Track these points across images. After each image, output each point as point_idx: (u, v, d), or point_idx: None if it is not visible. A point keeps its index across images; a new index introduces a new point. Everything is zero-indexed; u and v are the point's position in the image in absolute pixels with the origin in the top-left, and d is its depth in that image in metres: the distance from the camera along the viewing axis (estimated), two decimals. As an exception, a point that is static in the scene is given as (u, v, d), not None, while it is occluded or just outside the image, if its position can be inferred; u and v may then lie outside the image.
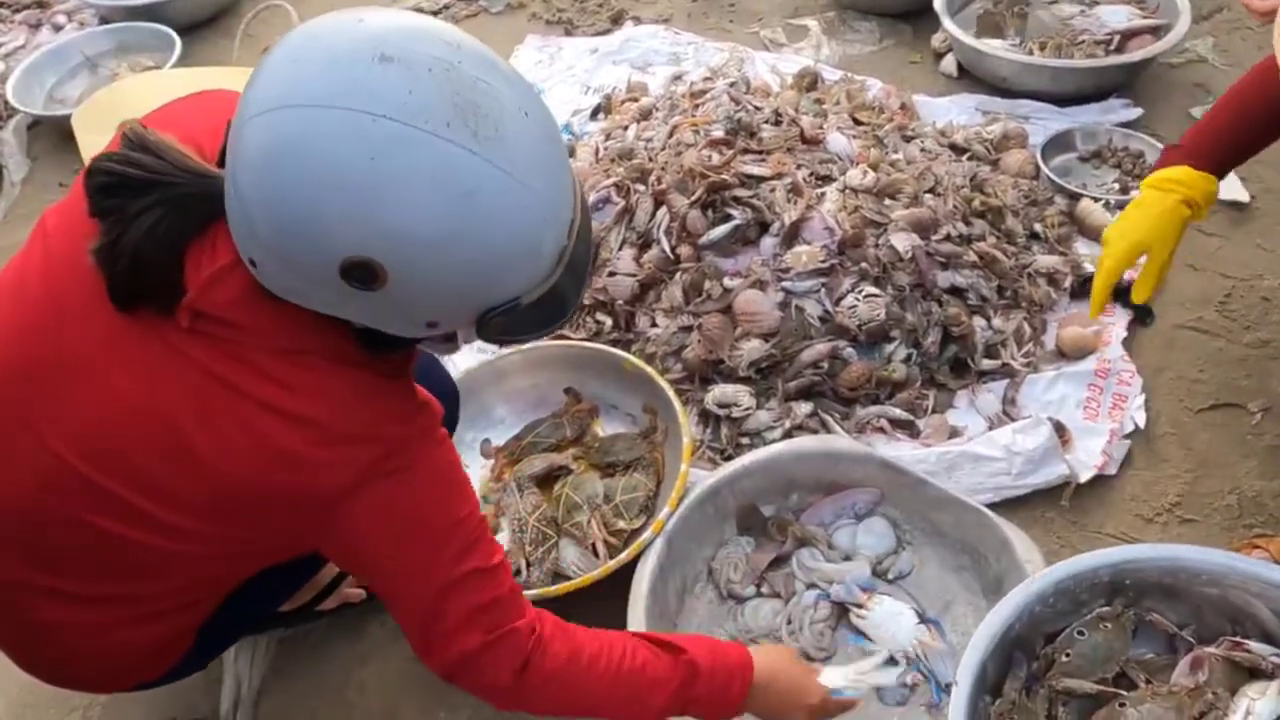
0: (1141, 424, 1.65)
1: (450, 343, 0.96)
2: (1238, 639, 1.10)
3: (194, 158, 0.90)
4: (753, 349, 1.68)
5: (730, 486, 1.49)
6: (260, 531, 0.98)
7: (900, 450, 1.62)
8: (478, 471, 1.68)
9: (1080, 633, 1.14)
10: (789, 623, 1.40)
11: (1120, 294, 1.85)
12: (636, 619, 1.32)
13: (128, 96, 1.71)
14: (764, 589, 1.46)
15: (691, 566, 1.47)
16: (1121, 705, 1.07)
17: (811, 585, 1.45)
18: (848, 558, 1.47)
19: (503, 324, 0.88)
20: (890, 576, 1.46)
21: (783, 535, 1.49)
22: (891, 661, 1.33)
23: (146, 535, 0.97)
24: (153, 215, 0.87)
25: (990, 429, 1.65)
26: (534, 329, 0.92)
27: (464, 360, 1.84)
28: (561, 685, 1.05)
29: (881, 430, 1.67)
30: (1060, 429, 1.62)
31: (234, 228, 0.85)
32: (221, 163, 0.87)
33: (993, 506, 1.46)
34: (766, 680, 1.13)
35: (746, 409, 1.67)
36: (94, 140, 1.58)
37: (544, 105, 0.87)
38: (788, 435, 1.64)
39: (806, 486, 1.53)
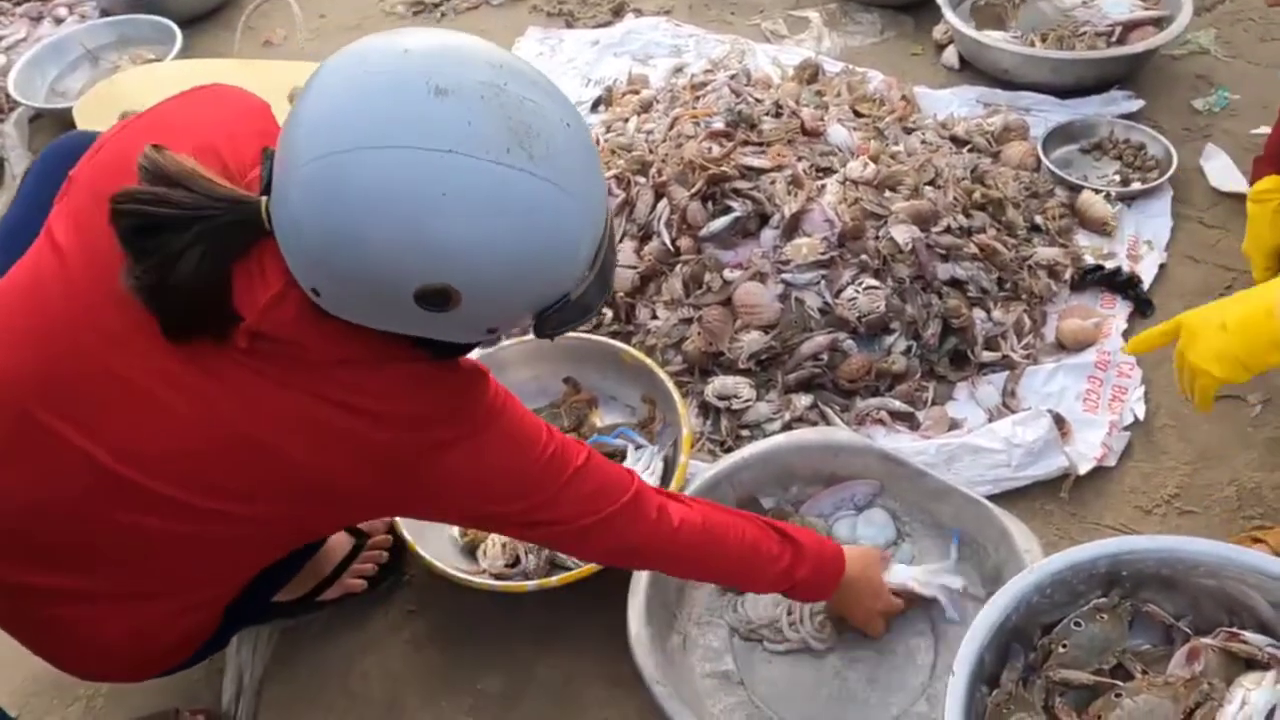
0: (1141, 416, 1.66)
1: (494, 335, 1.00)
2: (1234, 630, 1.10)
3: (223, 183, 0.90)
4: (752, 341, 1.68)
5: (730, 479, 1.50)
6: (345, 509, 1.08)
7: (900, 442, 1.62)
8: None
9: (1077, 623, 1.14)
10: (789, 613, 1.41)
11: (1120, 286, 1.86)
12: (636, 610, 1.32)
13: (129, 88, 1.71)
14: None
15: None
16: (1118, 696, 1.07)
17: None
18: None
19: (556, 319, 0.93)
20: None
21: None
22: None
23: (203, 526, 1.00)
24: (197, 251, 0.87)
25: (990, 421, 1.65)
26: (580, 316, 0.96)
27: (465, 352, 1.85)
28: (698, 534, 1.16)
29: (881, 422, 1.68)
30: (1060, 421, 1.62)
31: (295, 262, 0.87)
32: (254, 184, 0.89)
33: (992, 498, 1.46)
34: (855, 576, 1.29)
35: (746, 401, 1.67)
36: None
37: (578, 113, 0.90)
38: (787, 427, 1.64)
39: (806, 478, 1.53)
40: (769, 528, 1.22)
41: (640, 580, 1.35)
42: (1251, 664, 1.08)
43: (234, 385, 0.94)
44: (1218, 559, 1.12)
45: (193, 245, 0.87)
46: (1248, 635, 1.09)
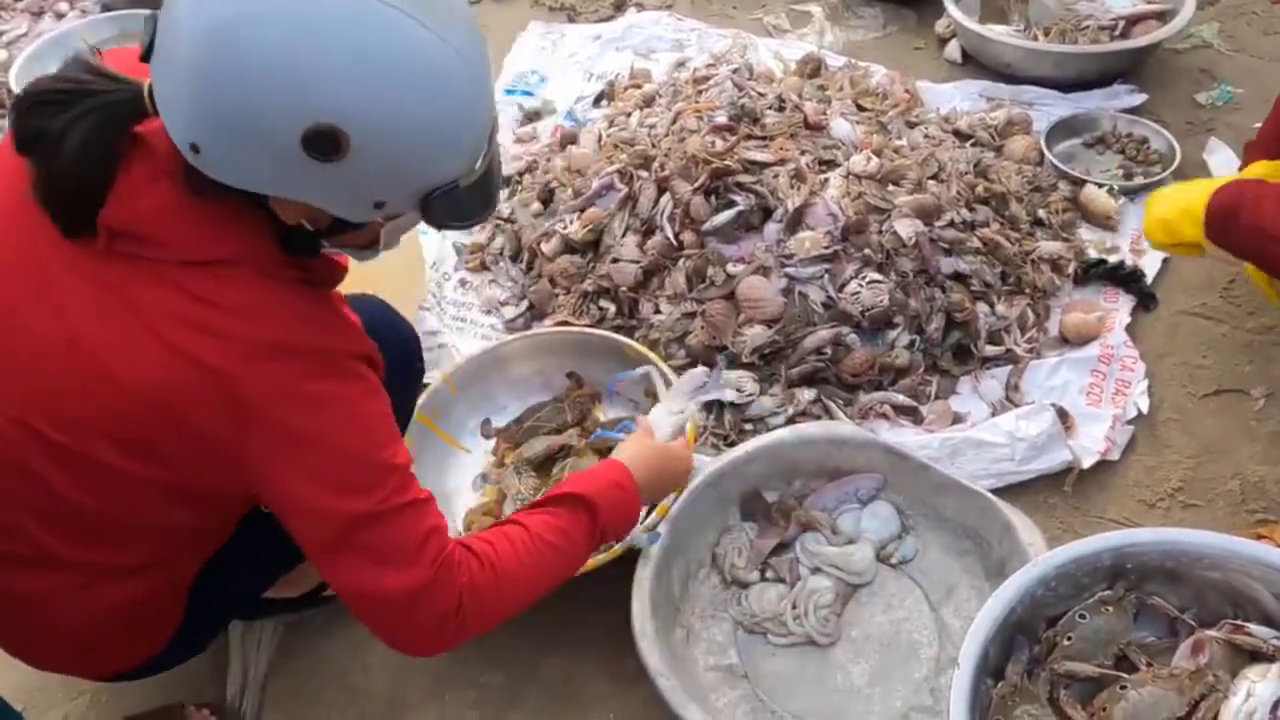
0: (1144, 410, 1.65)
1: (372, 248, 0.99)
2: (1239, 622, 1.10)
3: (115, 72, 0.91)
4: (756, 335, 1.68)
5: (734, 472, 1.50)
6: (184, 461, 0.98)
7: (903, 436, 1.62)
8: (479, 454, 1.69)
9: (1082, 616, 1.14)
10: (794, 607, 1.41)
11: (1124, 280, 1.86)
12: (641, 604, 1.32)
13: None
14: (768, 574, 1.47)
15: (695, 552, 1.48)
16: (1123, 688, 1.07)
17: (816, 570, 1.46)
18: (852, 542, 1.47)
19: (443, 206, 0.92)
20: (894, 561, 1.46)
21: (786, 521, 1.49)
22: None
23: (86, 488, 0.98)
24: (81, 128, 0.88)
25: (993, 415, 1.65)
26: (468, 211, 0.95)
27: (466, 346, 1.85)
28: (501, 586, 1.06)
29: (885, 416, 1.67)
30: (1063, 415, 1.62)
31: (175, 113, 0.85)
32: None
33: (996, 492, 1.46)
34: (643, 470, 1.23)
35: (750, 395, 1.67)
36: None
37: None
38: (791, 421, 1.64)
39: (810, 472, 1.53)
40: (561, 504, 1.14)
41: (644, 574, 1.35)
42: (1256, 656, 1.08)
43: (79, 294, 0.92)
44: (1222, 551, 1.12)
45: (77, 121, 0.87)
46: (1252, 628, 1.09)
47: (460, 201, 0.92)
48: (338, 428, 0.96)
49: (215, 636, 1.33)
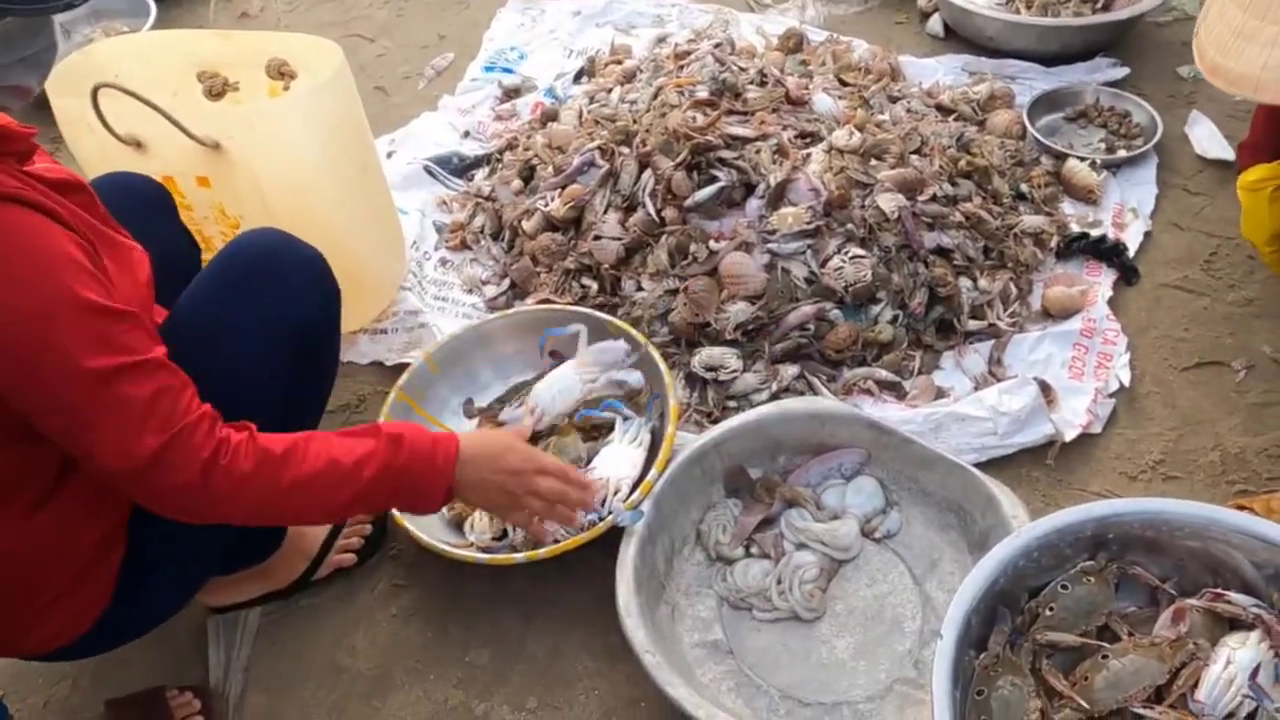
0: (1126, 382, 1.66)
1: None
2: (1219, 591, 1.11)
3: None
4: (739, 311, 1.68)
5: (717, 449, 1.49)
6: None
7: (887, 412, 1.62)
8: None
9: (1064, 586, 1.14)
10: (779, 583, 1.41)
11: (1106, 253, 1.86)
12: (625, 580, 1.32)
13: (103, 61, 1.68)
14: (753, 550, 1.47)
15: (679, 529, 1.48)
16: (1104, 657, 1.08)
17: (801, 546, 1.46)
18: (836, 518, 1.47)
19: None
20: (878, 536, 1.47)
21: (770, 496, 1.49)
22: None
23: None
24: None
25: (976, 389, 1.66)
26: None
27: (448, 325, 1.83)
28: (261, 479, 1.04)
29: (868, 392, 1.67)
30: (1045, 388, 1.63)
31: None
32: None
33: (979, 466, 1.47)
34: (474, 451, 1.18)
35: (733, 372, 1.67)
36: (69, 105, 1.56)
37: None
38: (774, 398, 1.64)
39: (793, 448, 1.53)
40: (371, 434, 1.13)
41: (628, 552, 1.35)
42: (1235, 624, 1.09)
43: None
44: (1202, 520, 1.13)
45: None
46: (1232, 596, 1.10)
47: None
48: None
49: (162, 619, 1.29)
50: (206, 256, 1.34)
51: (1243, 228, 1.59)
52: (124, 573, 1.16)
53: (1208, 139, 2.04)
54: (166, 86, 1.71)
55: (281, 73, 1.77)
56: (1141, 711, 1.04)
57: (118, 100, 1.48)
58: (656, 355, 1.60)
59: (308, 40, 1.74)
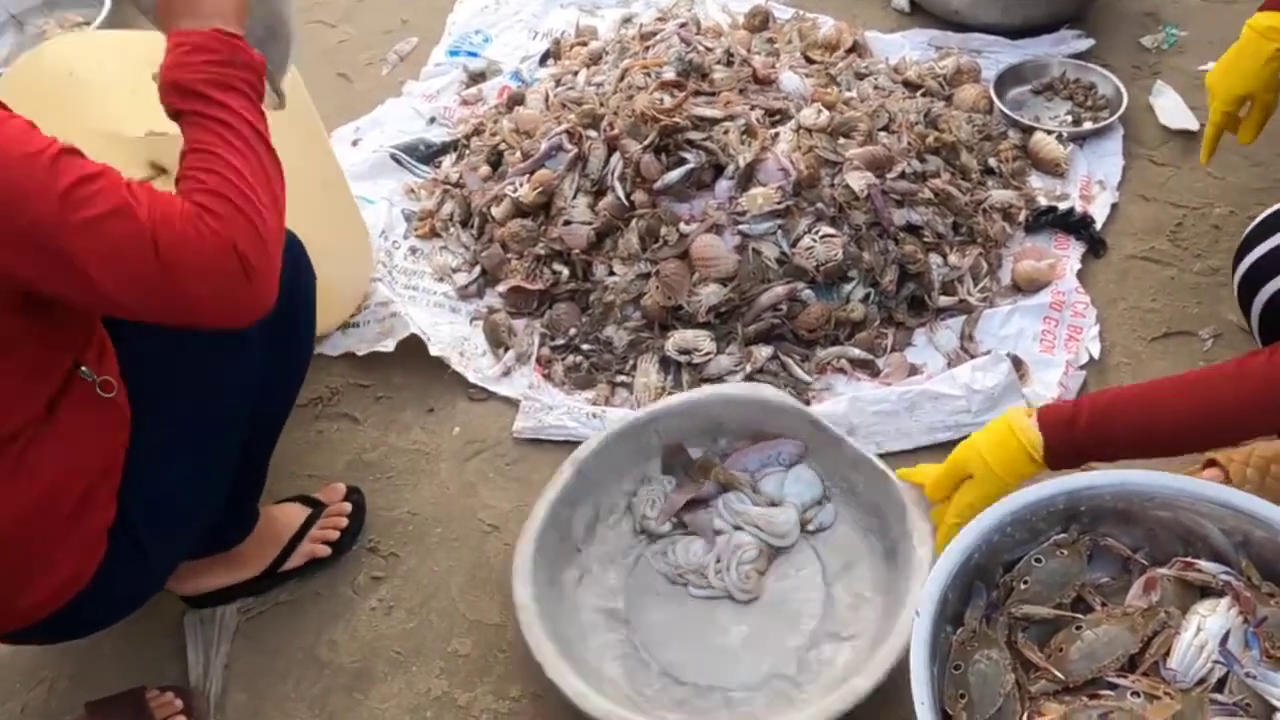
0: (1096, 355, 1.67)
1: None
2: (1189, 559, 1.13)
3: None
4: (711, 294, 1.67)
5: (653, 424, 1.49)
6: None
7: (861, 391, 1.63)
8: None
9: (1038, 560, 1.15)
10: (718, 561, 1.42)
11: (1073, 226, 1.87)
12: (526, 543, 1.35)
13: (56, 60, 1.63)
14: (684, 528, 1.48)
15: (609, 498, 1.48)
16: (1078, 628, 1.09)
17: (738, 528, 1.45)
18: (774, 504, 1.47)
19: None
20: (812, 528, 1.46)
21: (704, 477, 1.50)
22: None
23: None
24: None
25: (949, 365, 1.67)
26: None
27: (419, 315, 1.82)
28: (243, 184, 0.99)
29: (842, 371, 1.68)
30: (1017, 363, 1.64)
31: None
32: None
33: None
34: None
35: (707, 354, 1.67)
36: (22, 107, 1.52)
37: None
38: (749, 379, 1.64)
39: (734, 432, 1.52)
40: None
41: (537, 514, 1.37)
42: (1206, 591, 1.11)
43: None
44: (1171, 490, 1.14)
45: None
46: (1202, 564, 1.11)
47: None
48: None
49: (158, 581, 1.26)
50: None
51: (1216, 72, 1.50)
52: (114, 536, 1.13)
53: (1172, 109, 2.06)
54: (124, 84, 1.67)
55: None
56: (1116, 680, 1.05)
57: (72, 99, 1.44)
58: None
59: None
